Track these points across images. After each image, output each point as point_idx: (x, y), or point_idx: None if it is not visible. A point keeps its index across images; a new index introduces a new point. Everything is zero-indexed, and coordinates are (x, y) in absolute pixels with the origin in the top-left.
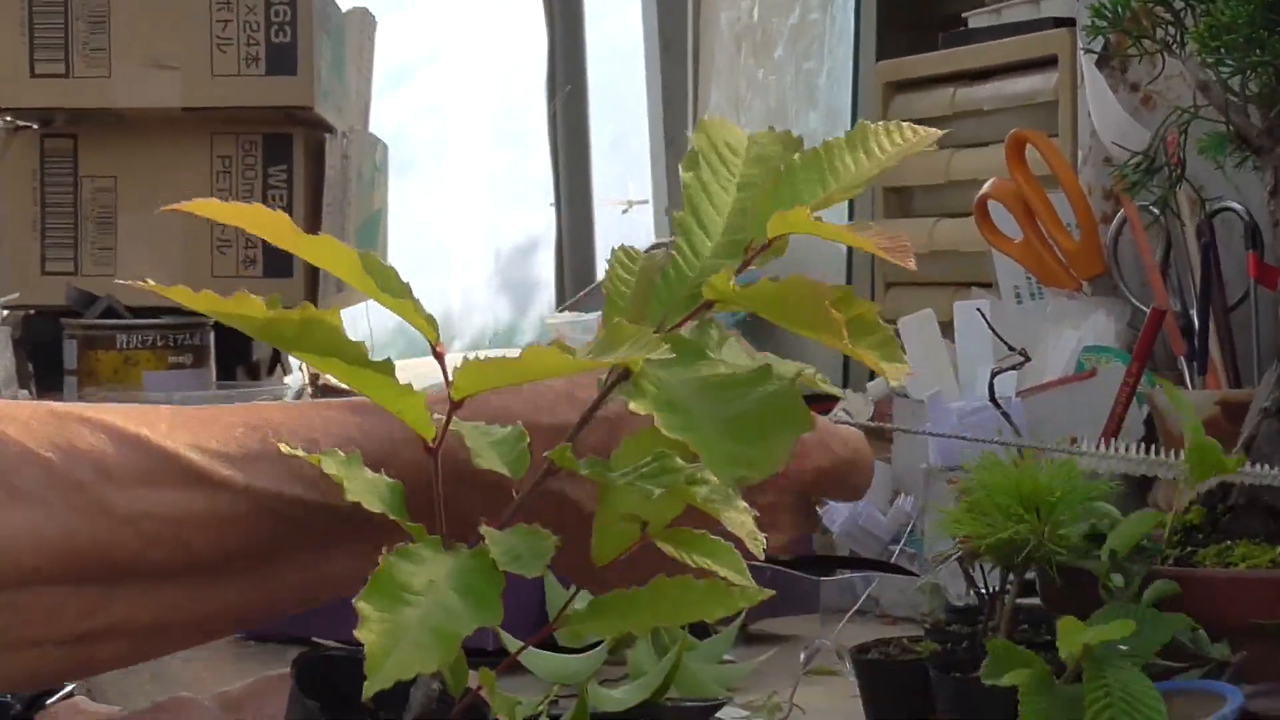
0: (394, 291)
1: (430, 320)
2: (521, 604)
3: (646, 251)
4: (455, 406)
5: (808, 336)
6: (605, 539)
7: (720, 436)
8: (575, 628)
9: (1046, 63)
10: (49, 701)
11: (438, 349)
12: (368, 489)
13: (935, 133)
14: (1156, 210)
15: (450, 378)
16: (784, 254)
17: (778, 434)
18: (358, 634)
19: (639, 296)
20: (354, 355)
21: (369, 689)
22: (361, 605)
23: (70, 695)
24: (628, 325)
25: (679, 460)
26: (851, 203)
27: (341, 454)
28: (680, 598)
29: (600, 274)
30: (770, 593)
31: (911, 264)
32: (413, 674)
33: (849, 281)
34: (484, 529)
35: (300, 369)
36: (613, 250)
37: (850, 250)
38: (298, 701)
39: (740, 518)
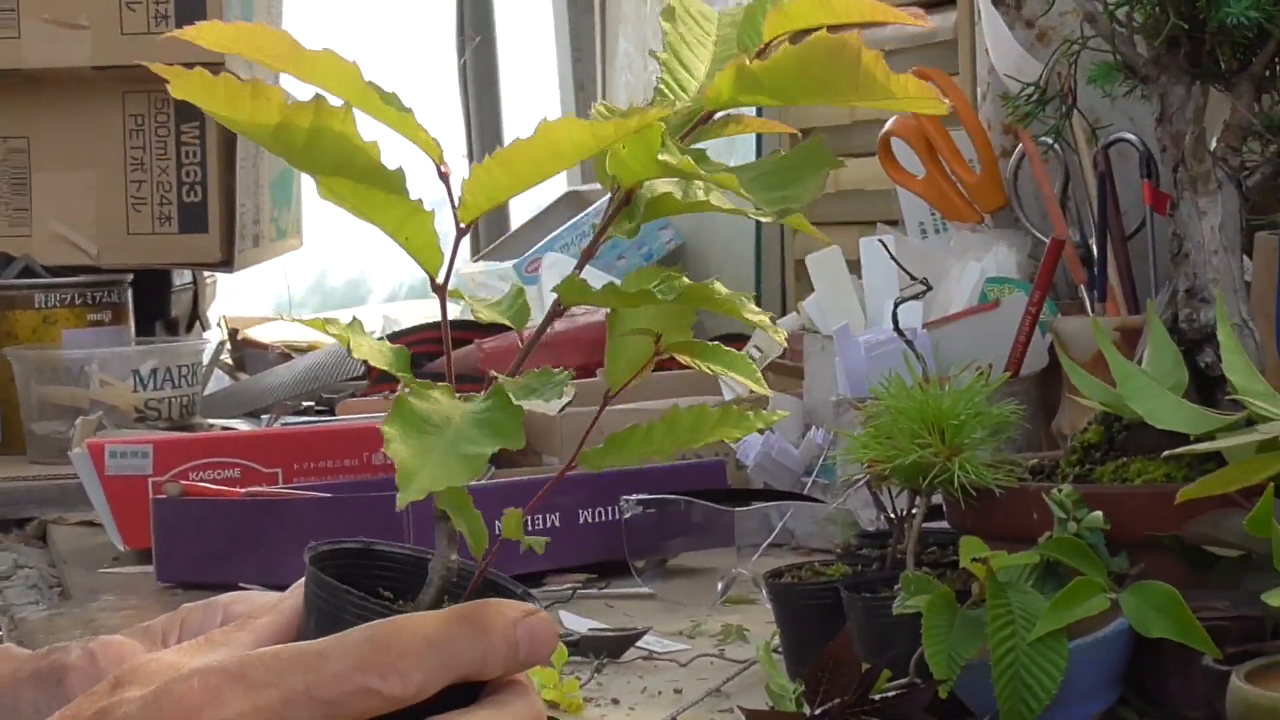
0: (398, 107)
1: (435, 141)
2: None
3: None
4: (463, 232)
5: (837, 105)
6: (619, 358)
7: (757, 187)
8: (594, 461)
9: (945, 2)
10: None
11: (442, 169)
12: (373, 350)
13: None
14: (1051, 140)
15: (459, 196)
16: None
17: (809, 174)
18: (386, 451)
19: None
20: (366, 167)
21: (402, 500)
22: (387, 429)
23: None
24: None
25: (685, 279)
26: (759, 139)
27: (343, 321)
28: (696, 423)
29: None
30: (785, 414)
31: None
32: (443, 487)
33: (757, 228)
34: (498, 375)
35: (219, 325)
36: (593, 106)
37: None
38: (316, 581)
39: (756, 317)
